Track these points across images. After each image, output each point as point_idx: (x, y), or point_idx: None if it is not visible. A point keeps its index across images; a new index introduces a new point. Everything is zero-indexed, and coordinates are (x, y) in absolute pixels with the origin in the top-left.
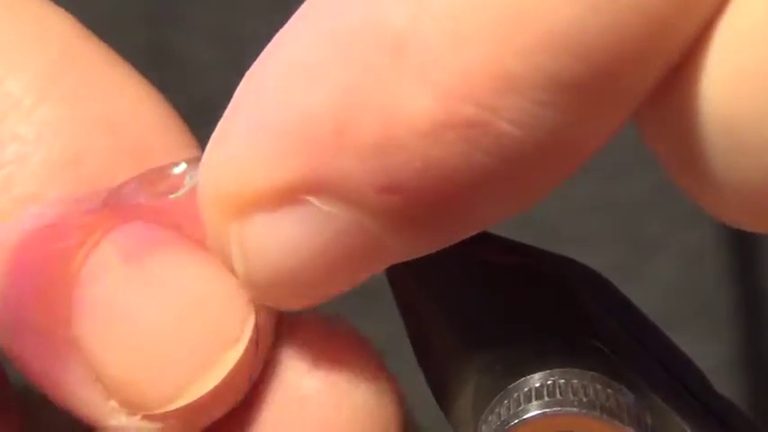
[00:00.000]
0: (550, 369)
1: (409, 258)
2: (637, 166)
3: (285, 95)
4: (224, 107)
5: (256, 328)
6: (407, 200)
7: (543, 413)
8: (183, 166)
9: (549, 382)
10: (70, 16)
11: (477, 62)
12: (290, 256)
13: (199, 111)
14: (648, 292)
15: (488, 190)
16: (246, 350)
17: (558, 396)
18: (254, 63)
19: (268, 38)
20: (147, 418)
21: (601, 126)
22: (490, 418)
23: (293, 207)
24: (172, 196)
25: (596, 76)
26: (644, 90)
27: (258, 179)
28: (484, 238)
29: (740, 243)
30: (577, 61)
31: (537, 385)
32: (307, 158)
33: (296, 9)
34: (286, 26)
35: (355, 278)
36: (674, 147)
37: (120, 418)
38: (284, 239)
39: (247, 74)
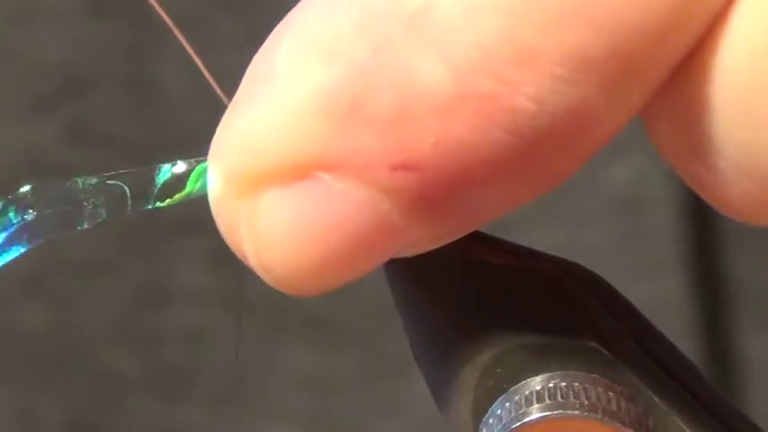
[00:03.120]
0: (551, 371)
1: (424, 247)
2: (597, 215)
3: (300, 71)
4: (204, 139)
5: None
6: (422, 178)
7: (545, 416)
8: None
9: (550, 385)
10: None
11: (494, 34)
12: (301, 236)
13: (179, 143)
14: None
15: (505, 169)
16: None
17: (560, 399)
18: (269, 37)
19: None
20: None
21: (622, 104)
22: (491, 420)
23: (305, 184)
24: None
25: (618, 51)
26: (667, 67)
27: (269, 155)
28: (484, 240)
29: (703, 297)
30: (599, 35)
31: (538, 388)
32: (320, 134)
33: None
34: (300, 2)
35: (369, 263)
36: (685, 131)
37: None
38: (295, 218)
39: (262, 47)
